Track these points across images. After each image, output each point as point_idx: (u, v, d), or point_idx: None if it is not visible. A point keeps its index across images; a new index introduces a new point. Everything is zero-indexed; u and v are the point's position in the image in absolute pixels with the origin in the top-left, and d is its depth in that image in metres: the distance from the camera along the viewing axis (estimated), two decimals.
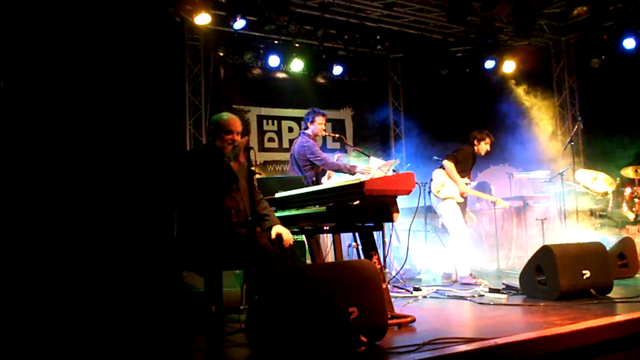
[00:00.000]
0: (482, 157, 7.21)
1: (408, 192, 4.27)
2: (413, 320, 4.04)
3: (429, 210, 7.80)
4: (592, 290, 4.91)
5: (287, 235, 4.14)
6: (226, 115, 4.35)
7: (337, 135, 7.74)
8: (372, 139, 10.83)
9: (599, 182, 8.33)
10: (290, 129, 10.00)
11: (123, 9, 7.10)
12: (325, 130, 6.52)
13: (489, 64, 10.03)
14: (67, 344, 4.08)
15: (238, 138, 4.23)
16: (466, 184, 6.88)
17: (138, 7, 7.33)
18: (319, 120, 6.40)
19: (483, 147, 7.00)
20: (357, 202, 4.01)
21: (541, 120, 10.13)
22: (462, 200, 6.82)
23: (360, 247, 4.53)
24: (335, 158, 6.44)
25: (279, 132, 9.97)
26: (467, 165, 6.98)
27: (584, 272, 4.94)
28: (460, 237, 6.66)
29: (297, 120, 9.95)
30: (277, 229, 4.15)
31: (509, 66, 10.11)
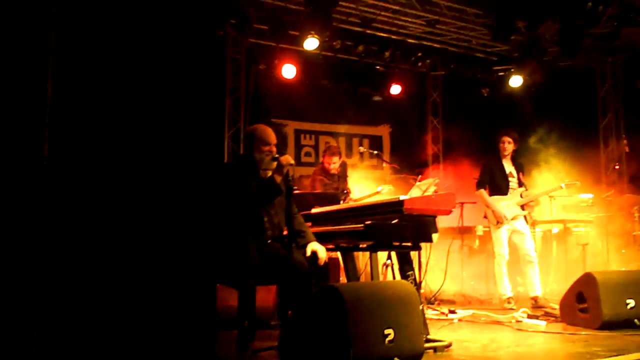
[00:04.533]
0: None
1: (448, 213, 4.20)
2: (449, 345, 3.93)
3: (466, 232, 7.66)
4: (636, 320, 4.72)
5: (323, 253, 4.10)
6: (261, 126, 4.36)
7: (375, 152, 7.77)
8: (410, 156, 10.70)
9: None
10: (327, 144, 9.96)
11: (166, 23, 7.20)
12: (332, 167, 6.79)
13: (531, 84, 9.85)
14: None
15: (274, 149, 4.23)
16: (521, 195, 6.51)
17: (182, 20, 7.43)
18: (327, 159, 6.83)
19: (502, 148, 6.61)
20: (396, 220, 3.94)
21: (584, 142, 9.87)
22: (505, 219, 6.41)
23: (396, 266, 4.45)
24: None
25: (315, 147, 9.94)
26: (498, 178, 6.58)
27: (628, 301, 4.76)
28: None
29: (335, 135, 9.94)
30: (313, 246, 4.11)
31: (552, 86, 9.91)
